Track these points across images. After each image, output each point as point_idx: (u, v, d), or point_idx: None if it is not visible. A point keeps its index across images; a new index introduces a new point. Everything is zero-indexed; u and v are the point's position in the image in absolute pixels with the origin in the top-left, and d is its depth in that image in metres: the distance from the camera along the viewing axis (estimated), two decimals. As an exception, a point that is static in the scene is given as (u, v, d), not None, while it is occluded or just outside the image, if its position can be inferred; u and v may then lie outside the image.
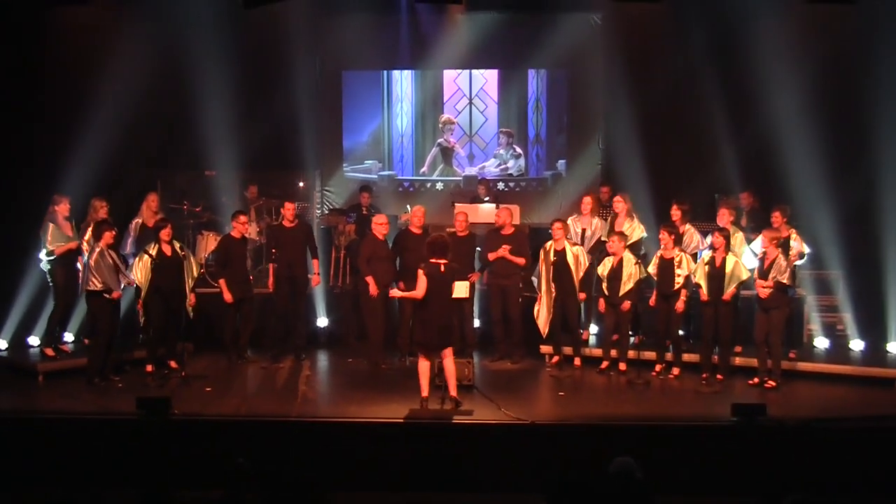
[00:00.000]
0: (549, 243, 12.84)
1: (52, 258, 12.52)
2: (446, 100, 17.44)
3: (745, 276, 11.82)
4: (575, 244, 12.84)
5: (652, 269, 12.33)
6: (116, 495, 7.89)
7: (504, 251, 12.78)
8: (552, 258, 12.67)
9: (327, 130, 17.21)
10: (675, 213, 12.88)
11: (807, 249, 12.55)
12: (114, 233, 11.92)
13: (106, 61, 14.63)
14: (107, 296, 11.68)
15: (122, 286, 11.95)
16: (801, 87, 14.43)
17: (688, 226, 12.97)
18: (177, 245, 12.31)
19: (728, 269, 11.81)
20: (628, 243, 12.81)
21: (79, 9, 13.93)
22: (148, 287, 11.98)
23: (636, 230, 13.20)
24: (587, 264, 12.68)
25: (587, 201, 13.65)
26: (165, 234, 12.14)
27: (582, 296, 12.75)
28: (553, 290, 12.66)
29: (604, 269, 12.45)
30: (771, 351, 11.79)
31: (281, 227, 13.25)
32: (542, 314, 12.76)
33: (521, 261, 12.94)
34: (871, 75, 14.24)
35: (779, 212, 12.48)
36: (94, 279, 11.62)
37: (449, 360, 10.77)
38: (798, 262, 12.40)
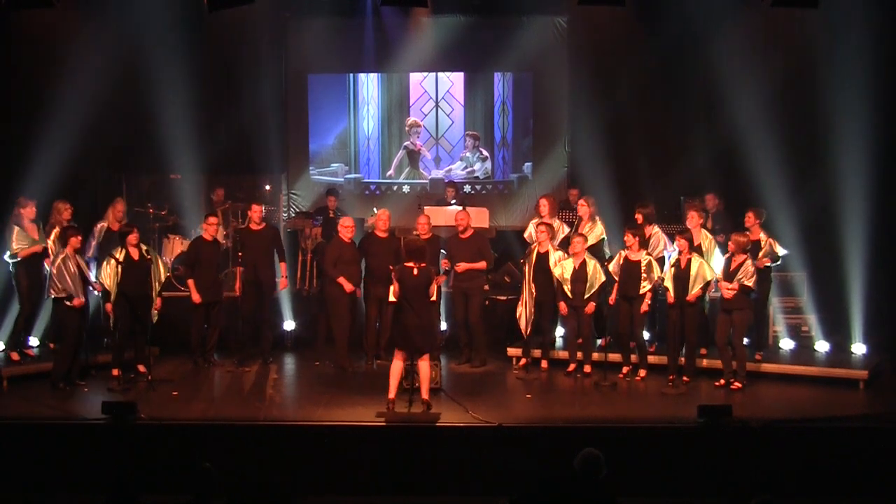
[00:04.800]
0: (534, 245, 12.85)
1: (15, 261, 12.43)
2: (412, 103, 17.41)
3: (709, 276, 11.84)
4: (557, 249, 12.76)
5: (613, 267, 12.32)
6: (82, 500, 7.86)
7: (459, 266, 12.72)
8: (533, 259, 12.67)
9: (293, 133, 17.15)
10: (638, 217, 12.88)
11: (781, 252, 12.59)
12: (80, 237, 11.90)
13: (69, 63, 14.56)
14: (68, 303, 11.61)
15: (92, 291, 11.95)
16: (766, 90, 14.53)
17: (655, 229, 12.95)
18: (143, 248, 12.21)
19: (693, 270, 11.85)
20: (588, 245, 12.83)
21: (41, 11, 13.81)
22: (116, 291, 11.90)
23: (595, 231, 13.21)
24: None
25: (544, 203, 13.52)
26: (133, 238, 12.07)
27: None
28: (534, 290, 12.66)
29: (563, 271, 12.42)
30: (735, 352, 11.85)
31: (248, 230, 13.20)
32: (524, 315, 12.76)
33: (481, 265, 12.91)
34: (833, 79, 14.32)
35: (752, 212, 12.56)
36: (55, 286, 11.57)
37: (424, 363, 10.78)
38: (770, 265, 12.47)
